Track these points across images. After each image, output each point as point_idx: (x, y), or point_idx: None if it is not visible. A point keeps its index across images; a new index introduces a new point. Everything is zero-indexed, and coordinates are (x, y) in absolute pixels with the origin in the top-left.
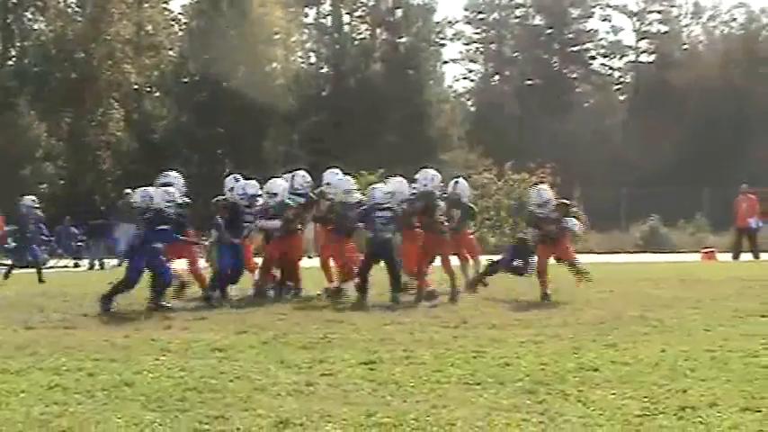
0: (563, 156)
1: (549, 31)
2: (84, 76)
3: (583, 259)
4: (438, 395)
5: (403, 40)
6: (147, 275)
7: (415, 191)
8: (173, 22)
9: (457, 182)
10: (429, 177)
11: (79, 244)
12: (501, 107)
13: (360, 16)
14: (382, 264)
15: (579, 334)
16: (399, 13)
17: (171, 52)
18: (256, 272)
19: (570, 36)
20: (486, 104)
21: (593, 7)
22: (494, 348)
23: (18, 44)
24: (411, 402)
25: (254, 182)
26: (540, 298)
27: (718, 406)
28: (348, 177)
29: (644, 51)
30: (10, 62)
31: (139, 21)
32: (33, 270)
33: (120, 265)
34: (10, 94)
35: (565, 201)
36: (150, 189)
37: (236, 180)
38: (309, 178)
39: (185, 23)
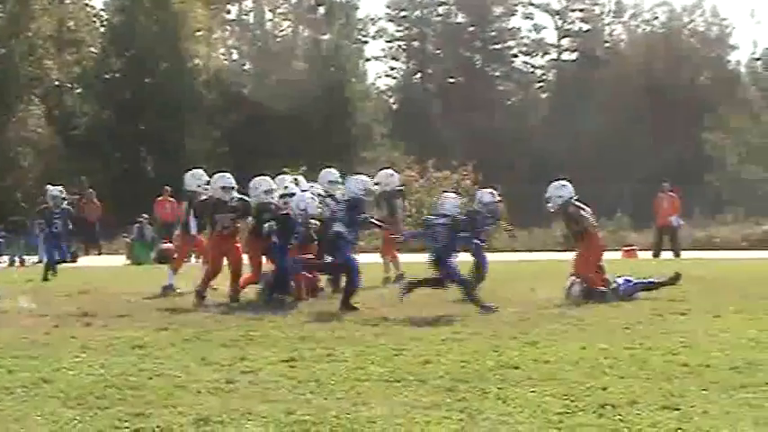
0: (486, 153)
1: (471, 28)
2: (4, 72)
3: (507, 257)
4: (358, 393)
5: (325, 37)
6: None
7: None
8: (94, 19)
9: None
10: (388, 176)
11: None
12: (423, 105)
13: (282, 13)
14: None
15: (500, 331)
16: (322, 10)
17: (93, 49)
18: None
19: (492, 34)
20: (409, 102)
21: (516, 5)
22: (414, 346)
23: None
24: (332, 400)
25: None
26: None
27: (637, 404)
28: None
29: (566, 49)
30: None
31: (61, 17)
32: None
33: (40, 262)
34: None
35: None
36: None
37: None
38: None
39: (107, 20)
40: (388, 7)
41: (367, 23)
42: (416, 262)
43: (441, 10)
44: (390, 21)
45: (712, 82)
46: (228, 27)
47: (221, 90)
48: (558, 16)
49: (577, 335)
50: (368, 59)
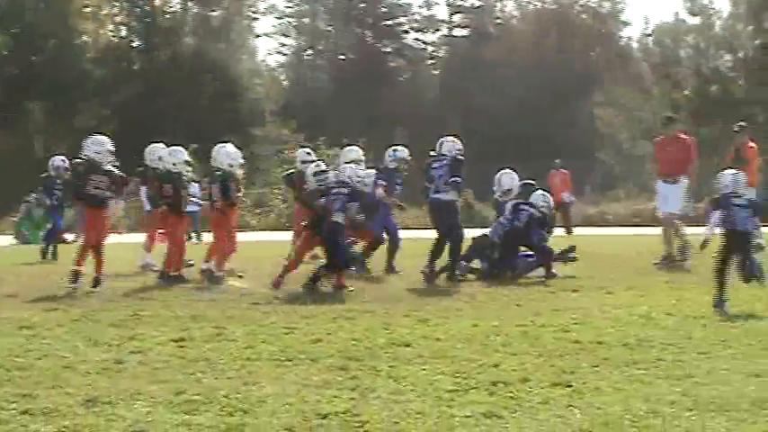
0: (377, 131)
1: (362, 5)
2: None
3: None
4: (249, 372)
5: (215, 13)
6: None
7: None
8: None
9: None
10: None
11: None
12: (314, 82)
13: None
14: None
15: (391, 309)
16: None
17: None
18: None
19: (384, 10)
20: (299, 79)
21: None
22: (305, 324)
23: None
24: (222, 379)
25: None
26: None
27: (529, 381)
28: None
29: (457, 26)
30: None
31: None
32: None
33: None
34: None
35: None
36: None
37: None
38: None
39: None
40: None
41: (257, 0)
42: None
43: None
44: None
45: (604, 58)
46: (117, 3)
47: (110, 67)
48: None
49: (469, 312)
50: (258, 36)
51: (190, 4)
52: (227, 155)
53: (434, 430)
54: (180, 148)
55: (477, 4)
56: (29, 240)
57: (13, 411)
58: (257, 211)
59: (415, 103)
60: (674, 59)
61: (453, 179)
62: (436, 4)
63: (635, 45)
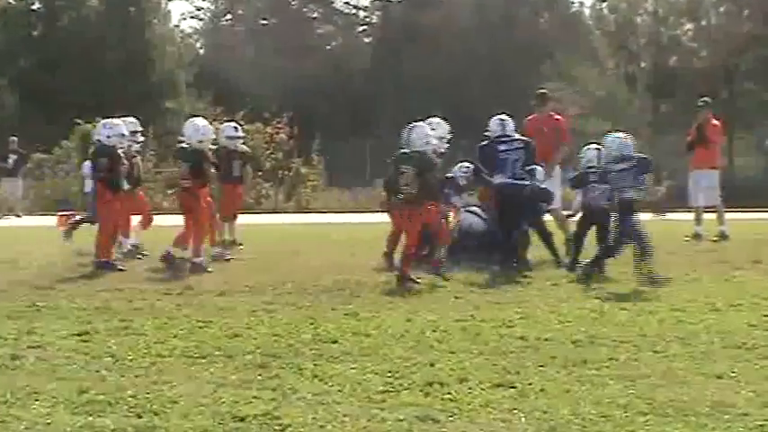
0: (303, 103)
1: None
2: None
3: (324, 218)
4: (159, 370)
5: None
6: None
7: None
8: None
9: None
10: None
11: None
12: (233, 50)
13: None
14: None
15: (317, 302)
16: None
17: None
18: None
19: None
20: (217, 46)
21: None
22: (222, 318)
23: None
24: (129, 378)
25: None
26: None
27: (468, 381)
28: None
29: None
30: None
31: None
32: None
33: None
34: None
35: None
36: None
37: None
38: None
39: None
40: None
41: None
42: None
43: None
44: None
45: (552, 26)
46: None
47: (7, 33)
48: None
49: (402, 305)
50: None
51: None
52: (195, 129)
53: None
54: (117, 120)
55: None
56: None
57: None
58: (170, 192)
59: (344, 74)
60: (631, 28)
61: (533, 167)
62: None
63: (587, 12)
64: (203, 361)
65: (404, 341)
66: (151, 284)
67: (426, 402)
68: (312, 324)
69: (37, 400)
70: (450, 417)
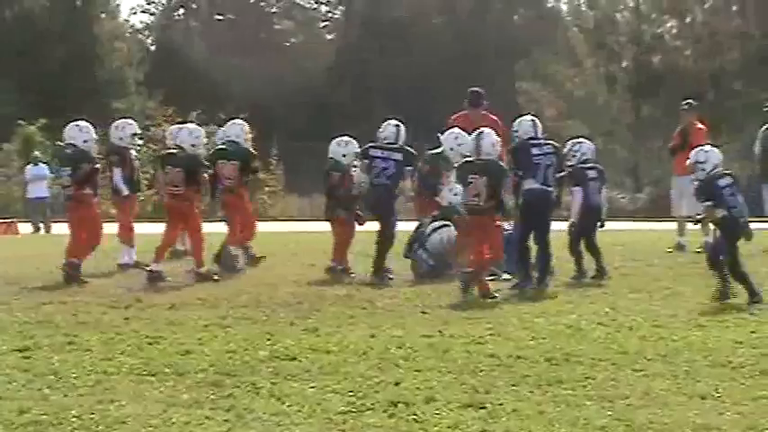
0: (260, 104)
1: None
2: None
3: (282, 227)
4: (105, 388)
5: None
6: None
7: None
8: None
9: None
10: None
11: None
12: (186, 46)
13: None
14: None
15: (274, 316)
16: None
17: None
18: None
19: None
20: (169, 43)
21: None
22: (172, 333)
23: None
24: (73, 397)
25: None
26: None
27: (436, 401)
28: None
29: None
30: None
31: None
32: None
33: None
34: None
35: None
36: None
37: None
38: None
39: None
40: None
41: None
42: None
43: None
44: None
45: (528, 22)
46: None
47: None
48: None
49: (366, 320)
50: None
51: None
52: (189, 133)
53: None
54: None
55: None
56: None
57: None
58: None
59: (305, 73)
60: (611, 25)
61: (561, 174)
62: None
63: (564, 8)
64: (152, 379)
65: (367, 358)
66: (98, 297)
67: (391, 424)
68: (269, 340)
69: None
70: None
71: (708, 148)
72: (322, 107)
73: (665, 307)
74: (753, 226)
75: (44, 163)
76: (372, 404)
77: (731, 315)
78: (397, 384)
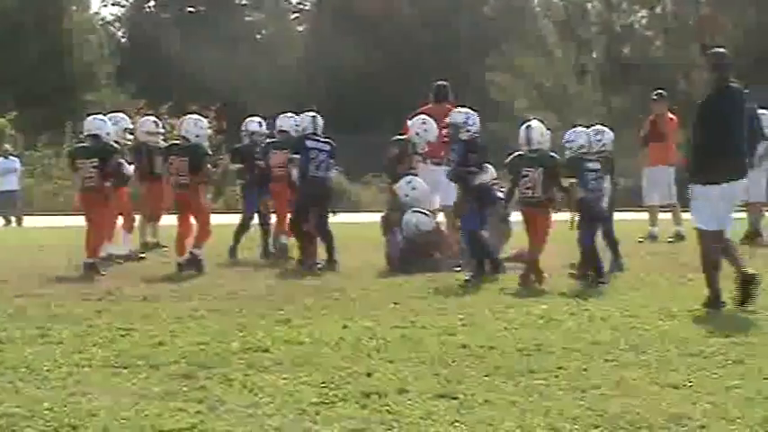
0: (232, 96)
1: None
2: None
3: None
4: (77, 381)
5: None
6: None
7: None
8: None
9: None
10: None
11: None
12: (157, 39)
13: None
14: None
15: (246, 308)
16: None
17: None
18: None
19: None
20: (140, 35)
21: None
22: (144, 325)
23: None
24: (45, 389)
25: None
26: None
27: (408, 392)
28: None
29: None
30: None
31: None
32: None
33: None
34: None
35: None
36: None
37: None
38: None
39: None
40: None
41: None
42: None
43: None
44: None
45: (498, 13)
46: None
47: None
48: None
49: (338, 311)
50: None
51: None
52: (194, 124)
53: None
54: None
55: None
56: None
57: None
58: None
59: (276, 65)
60: (581, 16)
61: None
62: None
63: None
64: (125, 371)
65: (339, 350)
66: (70, 290)
67: (363, 414)
68: (241, 332)
69: None
70: (389, 429)
71: (579, 129)
72: (295, 99)
73: (636, 297)
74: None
75: (14, 156)
76: (345, 395)
77: (702, 305)
78: (369, 375)
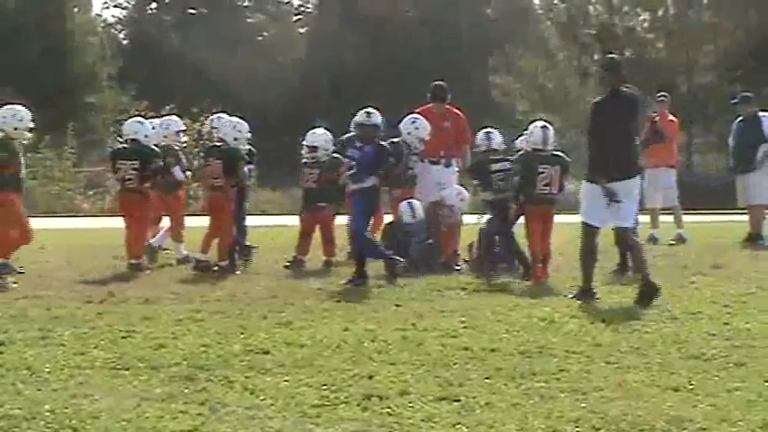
0: (234, 98)
1: None
2: None
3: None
4: (79, 383)
5: None
6: None
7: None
8: None
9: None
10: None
11: None
12: (159, 41)
13: None
14: None
15: (248, 310)
16: None
17: None
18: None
19: None
20: (142, 37)
21: None
22: (146, 327)
23: None
24: (47, 391)
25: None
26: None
27: (409, 395)
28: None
29: None
30: None
31: None
32: None
33: None
34: None
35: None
36: None
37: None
38: None
39: None
40: None
41: None
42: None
43: None
44: None
45: (500, 15)
46: None
47: None
48: None
49: (339, 313)
50: None
51: None
52: (232, 126)
53: None
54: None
55: None
56: None
57: None
58: (90, 193)
59: (278, 66)
60: (583, 18)
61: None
62: None
63: (537, 1)
64: (126, 373)
65: (340, 352)
66: (71, 292)
67: (364, 417)
68: (242, 334)
69: None
70: None
71: (490, 131)
72: (296, 100)
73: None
74: (727, 218)
75: None
76: (346, 397)
77: (704, 308)
78: (370, 378)
